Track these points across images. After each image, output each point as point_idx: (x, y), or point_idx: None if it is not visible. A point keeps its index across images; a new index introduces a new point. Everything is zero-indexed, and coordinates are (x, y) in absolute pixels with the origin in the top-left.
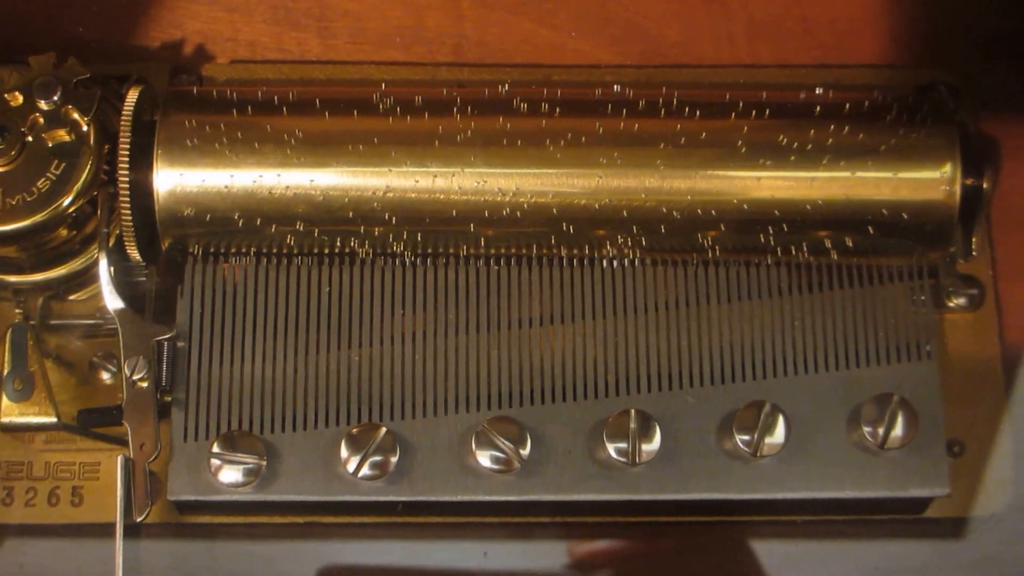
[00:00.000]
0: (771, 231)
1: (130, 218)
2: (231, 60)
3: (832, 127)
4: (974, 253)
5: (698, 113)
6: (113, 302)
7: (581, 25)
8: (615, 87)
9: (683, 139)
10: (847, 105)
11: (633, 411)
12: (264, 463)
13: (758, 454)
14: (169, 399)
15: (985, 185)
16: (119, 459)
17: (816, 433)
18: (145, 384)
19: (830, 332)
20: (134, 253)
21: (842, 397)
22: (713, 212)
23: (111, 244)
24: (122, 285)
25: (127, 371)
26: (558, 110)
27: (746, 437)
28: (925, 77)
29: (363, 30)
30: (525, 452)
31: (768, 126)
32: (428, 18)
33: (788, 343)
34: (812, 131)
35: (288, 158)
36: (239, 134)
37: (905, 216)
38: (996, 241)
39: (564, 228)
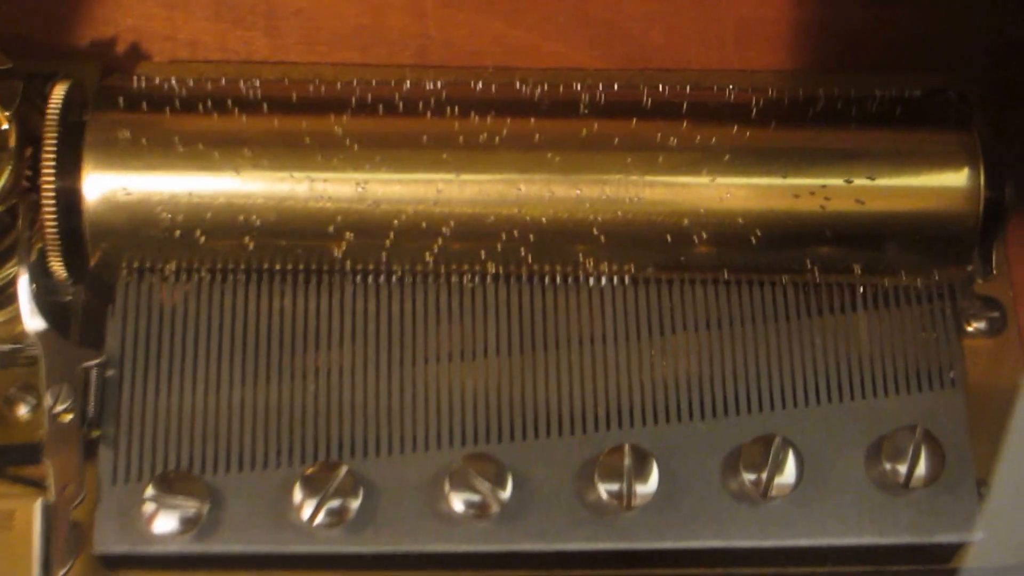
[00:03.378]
0: (776, 248)
1: (55, 229)
2: (169, 60)
3: (840, 133)
4: (994, 272)
5: (687, 119)
6: (34, 323)
7: (556, 26)
8: (598, 89)
9: (674, 147)
10: (853, 109)
11: (627, 447)
12: (206, 509)
13: (767, 495)
14: (97, 435)
15: (1008, 196)
16: (37, 504)
17: (832, 471)
18: (69, 417)
19: (844, 358)
20: (59, 269)
21: (860, 430)
22: (709, 226)
23: (33, 258)
24: (45, 304)
25: (49, 402)
26: (536, 113)
27: (753, 476)
28: (930, 83)
29: (317, 29)
30: (505, 495)
31: (767, 133)
32: (388, 17)
33: (799, 371)
34: (817, 137)
35: (234, 163)
36: (179, 136)
37: (922, 230)
38: (1012, 260)
39: (545, 243)
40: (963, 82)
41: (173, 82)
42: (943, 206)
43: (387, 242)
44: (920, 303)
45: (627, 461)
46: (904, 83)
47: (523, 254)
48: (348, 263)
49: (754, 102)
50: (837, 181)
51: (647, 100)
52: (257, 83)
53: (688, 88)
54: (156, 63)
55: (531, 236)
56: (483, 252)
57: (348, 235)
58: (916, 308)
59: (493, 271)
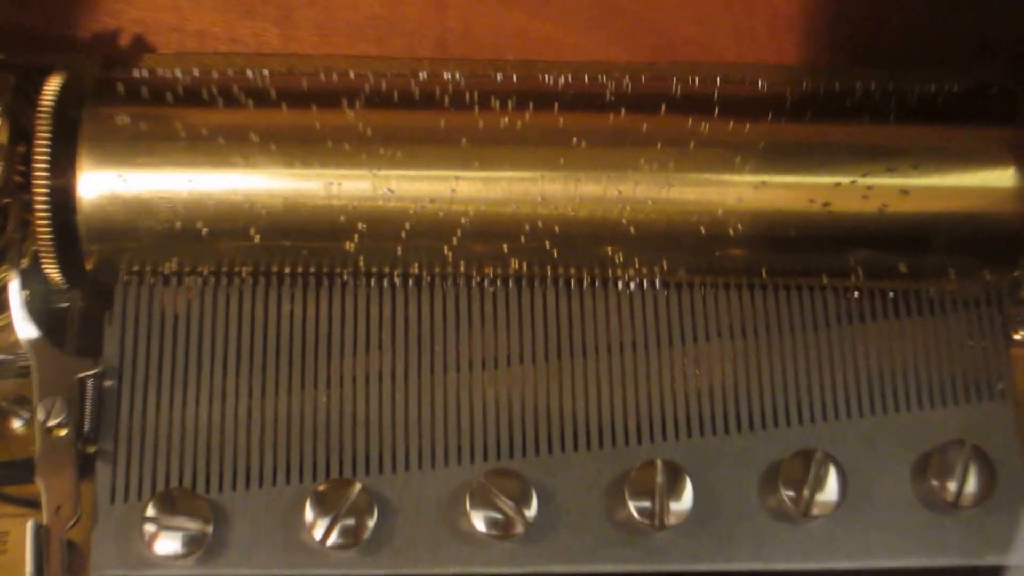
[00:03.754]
0: (812, 247)
1: (48, 230)
2: (176, 53)
3: (879, 128)
4: None
5: (718, 112)
6: (26, 331)
7: (581, 18)
8: (624, 82)
9: (705, 141)
10: (893, 102)
11: (659, 462)
12: (210, 529)
13: (808, 514)
14: (93, 450)
15: None
16: (29, 526)
17: (876, 488)
18: (64, 432)
19: (888, 368)
20: (53, 273)
21: (905, 445)
22: (742, 223)
23: (25, 262)
24: (38, 311)
25: (42, 415)
26: (560, 107)
27: (793, 493)
28: (969, 78)
29: (331, 20)
30: (530, 513)
31: (802, 128)
32: (406, 8)
33: (840, 381)
34: (855, 132)
35: (240, 157)
36: (182, 130)
37: (965, 232)
38: None
39: (571, 242)
40: (1004, 77)
41: (176, 73)
42: (988, 206)
43: (402, 240)
44: (966, 309)
45: (659, 477)
46: (943, 78)
47: (547, 255)
48: (362, 264)
49: (788, 95)
50: (876, 179)
51: (677, 93)
52: (266, 72)
53: (719, 81)
54: (162, 55)
55: (555, 235)
56: (504, 253)
57: (361, 230)
58: (962, 315)
59: (516, 273)
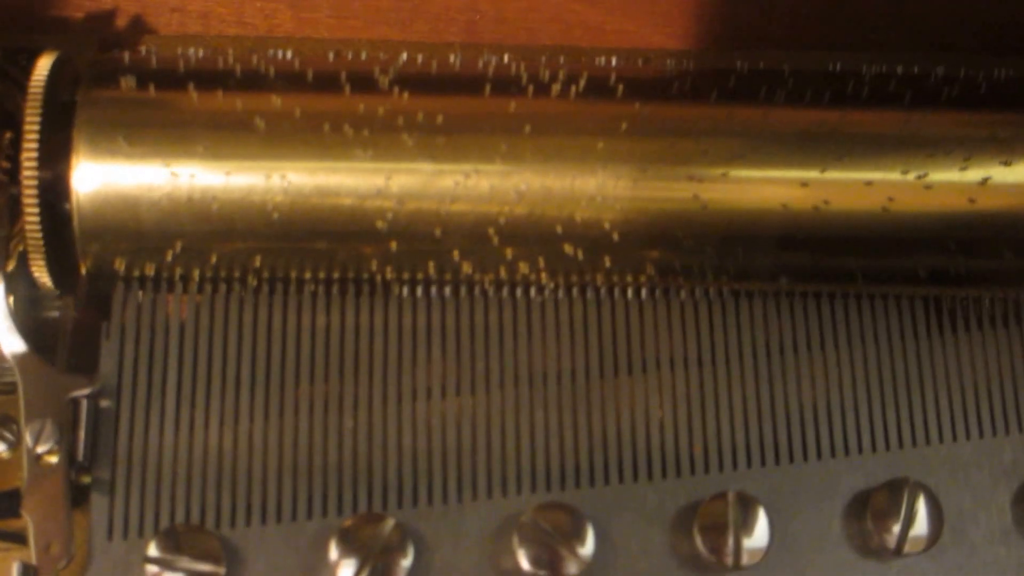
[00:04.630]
0: (895, 251)
1: (38, 228)
2: (178, 35)
3: (954, 119)
4: None
5: (779, 102)
6: (12, 343)
7: (621, 1)
8: (670, 70)
9: (766, 134)
10: (962, 91)
11: (731, 494)
12: (222, 571)
13: (900, 550)
14: (88, 480)
15: None
16: (15, 566)
17: (974, 521)
18: (54, 459)
19: (984, 387)
20: (43, 277)
21: (1005, 472)
22: (814, 224)
23: (12, 265)
24: (26, 321)
25: (29, 440)
26: (614, 96)
27: (883, 528)
28: None
29: (349, 2)
30: (585, 551)
31: (866, 119)
32: None
33: (931, 401)
34: (926, 124)
35: (253, 149)
36: (188, 118)
37: None
38: None
39: (627, 245)
40: None
41: (181, 56)
42: None
43: (437, 240)
44: None
45: (731, 511)
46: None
47: (600, 260)
48: (391, 271)
49: (850, 85)
50: (971, 170)
51: (730, 82)
52: (280, 55)
53: (785, 67)
54: (163, 37)
55: (609, 237)
56: (550, 258)
57: (391, 227)
58: None
59: (567, 280)
